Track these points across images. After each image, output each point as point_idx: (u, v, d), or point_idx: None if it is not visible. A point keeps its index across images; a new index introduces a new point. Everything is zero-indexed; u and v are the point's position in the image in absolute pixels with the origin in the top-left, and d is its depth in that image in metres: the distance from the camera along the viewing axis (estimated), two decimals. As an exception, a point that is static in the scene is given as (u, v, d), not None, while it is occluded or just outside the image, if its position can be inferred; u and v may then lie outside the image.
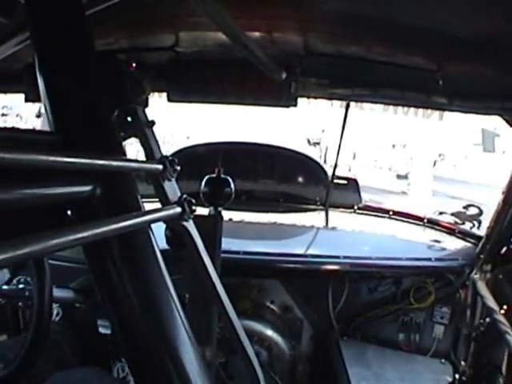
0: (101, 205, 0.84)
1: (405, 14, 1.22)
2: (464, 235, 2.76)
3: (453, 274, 2.37)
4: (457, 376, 2.27)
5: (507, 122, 1.93)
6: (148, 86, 1.14)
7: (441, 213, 3.05)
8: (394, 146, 19.25)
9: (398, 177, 16.91)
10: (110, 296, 0.89)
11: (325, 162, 15.54)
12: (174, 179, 0.93)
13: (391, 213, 3.17)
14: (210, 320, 1.68)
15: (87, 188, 0.82)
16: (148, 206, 0.90)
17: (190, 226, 0.95)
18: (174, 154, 2.94)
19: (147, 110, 1.02)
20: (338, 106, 2.82)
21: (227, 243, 1.87)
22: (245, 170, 3.17)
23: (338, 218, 3.14)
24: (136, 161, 0.91)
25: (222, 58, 1.79)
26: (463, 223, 2.82)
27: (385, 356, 2.33)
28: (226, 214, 1.82)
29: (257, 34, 1.50)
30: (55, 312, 2.30)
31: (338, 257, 2.37)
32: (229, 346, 2.08)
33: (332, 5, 1.26)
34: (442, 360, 2.33)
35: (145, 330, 0.89)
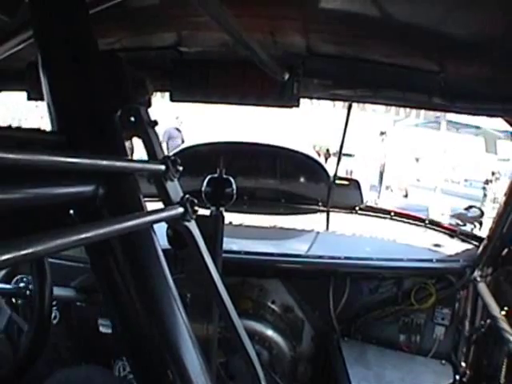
0: (103, 205, 0.84)
1: (407, 15, 1.22)
2: (465, 237, 2.76)
3: (454, 276, 2.37)
4: (457, 377, 2.28)
5: (509, 123, 1.93)
6: (151, 85, 1.14)
7: (442, 214, 3.05)
8: (417, 160, 15.31)
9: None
10: (112, 295, 0.90)
11: (383, 188, 12.16)
12: (176, 179, 0.93)
13: (392, 214, 3.16)
14: (211, 319, 1.68)
15: (90, 188, 0.82)
16: (150, 206, 0.90)
17: (192, 226, 0.95)
18: (176, 154, 2.94)
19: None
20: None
21: (228, 243, 1.87)
22: (247, 170, 3.17)
23: (339, 218, 3.14)
24: (139, 161, 0.91)
25: (224, 58, 1.79)
26: (464, 225, 2.83)
27: (385, 357, 2.33)
28: (228, 216, 1.82)
29: (259, 34, 1.50)
30: (52, 315, 2.30)
31: (339, 257, 2.38)
32: (229, 345, 2.09)
33: (335, 5, 1.26)
34: (443, 361, 2.34)
35: (146, 329, 0.89)
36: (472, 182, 14.67)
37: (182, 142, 10.38)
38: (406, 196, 12.71)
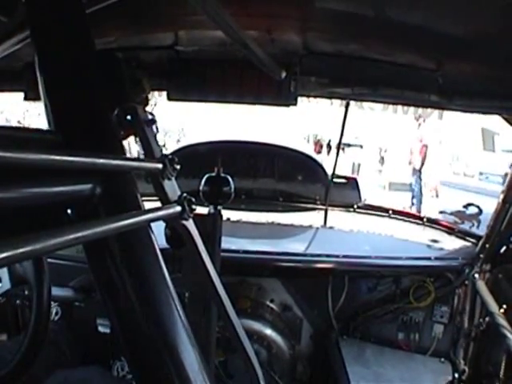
0: (101, 204, 0.84)
1: (404, 13, 1.22)
2: (464, 234, 2.76)
3: (452, 274, 2.37)
4: (456, 375, 2.28)
5: (507, 121, 1.93)
6: (148, 84, 1.14)
7: (440, 212, 3.05)
8: (440, 143, 13.17)
9: None
10: (109, 295, 0.89)
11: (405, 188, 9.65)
12: (173, 178, 0.93)
13: (391, 212, 3.17)
14: (209, 319, 1.68)
15: (87, 187, 0.81)
16: (148, 205, 0.90)
17: (190, 224, 0.95)
18: (174, 153, 2.94)
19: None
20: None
21: (227, 242, 1.87)
22: (245, 169, 3.17)
23: (337, 216, 3.14)
24: (136, 159, 0.90)
25: (221, 57, 1.79)
26: (463, 222, 2.83)
27: (384, 355, 2.33)
28: (226, 214, 1.82)
29: (256, 32, 1.50)
30: (54, 311, 2.31)
31: (337, 256, 2.38)
32: (228, 344, 2.09)
33: (332, 4, 1.26)
34: (442, 359, 2.34)
35: (144, 329, 0.89)
36: (488, 175, 13.08)
37: (157, 130, 10.02)
38: (436, 196, 10.81)
